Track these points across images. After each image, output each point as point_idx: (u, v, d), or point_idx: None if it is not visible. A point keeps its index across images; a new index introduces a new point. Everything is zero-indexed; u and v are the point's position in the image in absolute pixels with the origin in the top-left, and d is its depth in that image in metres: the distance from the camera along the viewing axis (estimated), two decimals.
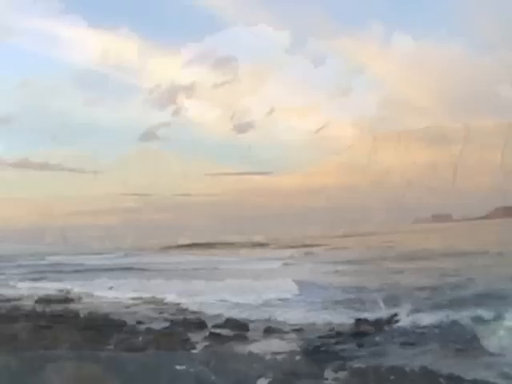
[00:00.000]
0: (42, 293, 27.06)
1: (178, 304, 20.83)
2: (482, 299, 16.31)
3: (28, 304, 22.51)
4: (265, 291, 21.91)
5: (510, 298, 16.00)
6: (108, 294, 26.48)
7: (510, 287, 18.55)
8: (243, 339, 13.75)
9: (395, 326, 14.08)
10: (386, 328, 14.00)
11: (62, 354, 9.16)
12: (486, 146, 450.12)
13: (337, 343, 12.71)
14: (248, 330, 15.00)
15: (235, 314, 17.38)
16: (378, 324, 14.27)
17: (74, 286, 29.82)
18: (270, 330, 14.69)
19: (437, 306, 16.09)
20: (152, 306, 21.54)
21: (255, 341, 13.58)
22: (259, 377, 9.14)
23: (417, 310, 15.19)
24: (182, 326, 15.61)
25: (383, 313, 15.28)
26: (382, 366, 9.81)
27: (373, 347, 12.15)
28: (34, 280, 37.62)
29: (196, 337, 13.97)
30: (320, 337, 13.55)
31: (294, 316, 16.55)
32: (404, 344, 12.27)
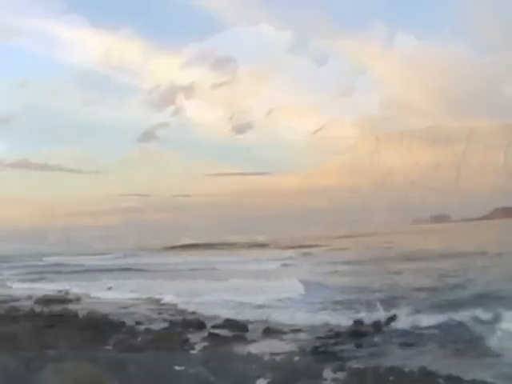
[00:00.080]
0: (40, 293, 27.05)
1: (177, 304, 20.82)
2: (481, 300, 16.33)
3: (27, 304, 22.48)
4: (265, 291, 21.92)
5: (509, 299, 16.02)
6: (107, 294, 26.47)
7: (509, 288, 18.57)
8: (242, 340, 13.74)
9: (394, 326, 14.07)
10: (385, 328, 14.00)
11: (60, 354, 9.16)
12: (488, 147, 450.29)
13: (336, 344, 12.71)
14: (247, 330, 14.99)
15: (234, 314, 17.37)
16: (377, 325, 14.27)
17: (73, 287, 29.80)
18: (268, 331, 14.68)
19: (436, 307, 16.12)
20: (151, 306, 21.54)
21: (254, 341, 13.57)
22: (258, 377, 9.14)
23: (416, 311, 15.19)
24: (181, 327, 15.62)
25: (381, 314, 15.27)
26: (380, 366, 9.83)
27: (372, 348, 12.15)
28: (33, 281, 37.63)
29: (195, 337, 13.97)
30: (319, 337, 13.56)
31: (293, 316, 16.54)
32: (403, 344, 12.27)
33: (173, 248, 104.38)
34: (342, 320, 15.21)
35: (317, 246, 77.89)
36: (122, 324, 16.25)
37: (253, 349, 12.37)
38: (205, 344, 13.13)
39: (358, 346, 12.36)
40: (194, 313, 18.55)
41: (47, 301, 23.68)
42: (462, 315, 13.88)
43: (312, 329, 14.77)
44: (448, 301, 17.25)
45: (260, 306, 19.05)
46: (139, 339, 13.56)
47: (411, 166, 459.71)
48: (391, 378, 9.15)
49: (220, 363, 9.57)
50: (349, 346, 12.38)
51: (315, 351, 11.93)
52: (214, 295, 21.72)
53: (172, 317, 17.92)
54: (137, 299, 23.71)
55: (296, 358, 11.09)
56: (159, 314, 19.17)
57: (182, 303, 20.78)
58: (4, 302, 24.31)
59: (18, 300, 25.22)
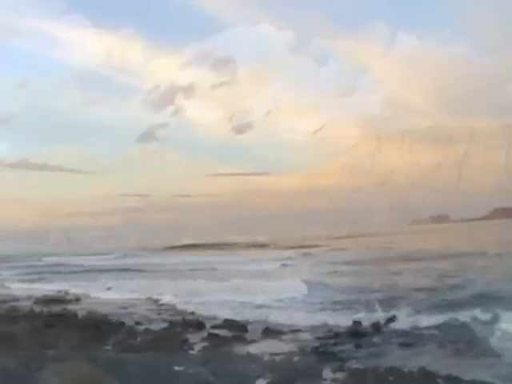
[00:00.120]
0: (40, 294, 27.04)
1: (177, 305, 20.82)
2: (480, 300, 16.34)
3: (26, 305, 22.48)
4: (265, 292, 21.93)
5: (508, 299, 16.03)
6: (106, 294, 26.47)
7: (509, 288, 18.58)
8: (242, 340, 13.74)
9: (393, 326, 14.08)
10: (384, 329, 14.00)
11: (60, 354, 9.16)
12: (490, 147, 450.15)
13: (335, 344, 12.72)
14: (246, 330, 14.99)
15: (233, 314, 17.37)
16: (376, 325, 14.27)
17: (73, 287, 29.79)
18: (268, 331, 14.68)
19: (435, 307, 16.13)
20: (150, 306, 21.54)
21: (254, 342, 13.58)
22: (258, 377, 9.15)
23: (415, 311, 15.19)
24: (181, 327, 15.61)
25: (380, 314, 15.28)
26: (380, 366, 9.84)
27: (371, 348, 12.16)
28: (32, 281, 37.61)
29: (194, 338, 13.97)
30: (318, 337, 13.57)
31: (292, 317, 16.54)
32: (402, 345, 12.28)
33: (173, 248, 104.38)
34: (342, 320, 15.22)
35: (316, 246, 77.89)
36: (122, 324, 16.24)
37: (252, 349, 12.38)
38: (204, 344, 13.12)
39: (358, 346, 12.36)
40: (193, 313, 18.55)
41: (47, 301, 23.68)
42: (462, 315, 13.89)
43: (311, 329, 14.77)
44: (447, 301, 17.26)
45: (259, 306, 19.06)
46: (139, 339, 13.55)
47: (412, 166, 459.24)
48: (391, 378, 9.16)
49: (219, 363, 9.57)
50: (348, 347, 12.38)
51: (315, 351, 11.93)
52: (213, 295, 21.73)
53: (171, 317, 17.92)
54: (136, 299, 23.71)
55: (295, 359, 11.10)
56: (159, 314, 19.16)
57: (181, 303, 20.78)
58: (3, 301, 24.31)
59: (17, 300, 25.21)
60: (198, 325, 15.91)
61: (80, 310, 19.47)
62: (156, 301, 22.68)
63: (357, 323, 14.68)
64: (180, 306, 20.29)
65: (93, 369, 7.59)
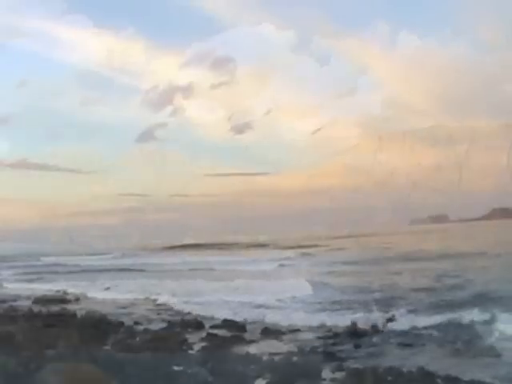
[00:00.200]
0: (38, 293, 27.01)
1: (175, 305, 20.81)
2: (479, 300, 16.35)
3: (25, 304, 22.46)
4: (264, 292, 21.93)
5: (507, 299, 16.04)
6: (105, 294, 26.46)
7: (508, 288, 18.59)
8: (241, 340, 13.74)
9: (392, 326, 14.08)
10: (383, 329, 14.00)
11: (59, 354, 9.16)
12: (491, 148, 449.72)
13: (334, 344, 12.72)
14: (245, 330, 14.99)
15: (232, 314, 17.36)
16: (374, 325, 14.27)
17: (71, 287, 29.77)
18: (267, 331, 14.68)
19: (434, 307, 16.14)
20: (149, 306, 21.53)
21: (253, 342, 13.57)
22: (257, 377, 9.14)
23: (414, 311, 15.21)
24: (180, 327, 15.61)
25: (379, 314, 15.28)
26: (379, 366, 9.84)
27: (370, 348, 12.16)
28: (31, 281, 37.55)
29: (193, 337, 13.97)
30: (317, 337, 13.57)
31: (292, 317, 16.54)
32: (401, 345, 12.29)
33: (172, 248, 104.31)
34: (341, 320, 15.22)
35: (316, 246, 77.82)
36: (121, 324, 16.24)
37: (251, 349, 12.38)
38: (203, 344, 13.12)
39: (357, 346, 12.37)
40: (192, 313, 18.55)
41: (45, 301, 23.64)
42: (461, 316, 13.90)
43: (311, 329, 14.78)
44: (446, 301, 17.27)
45: (259, 306, 19.05)
46: (138, 339, 13.55)
47: (414, 167, 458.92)
48: (389, 378, 9.17)
49: (218, 363, 9.57)
50: (347, 346, 12.39)
51: (314, 351, 11.93)
52: (213, 295, 21.73)
53: (170, 317, 17.92)
54: (135, 299, 23.69)
55: (294, 359, 11.09)
56: (158, 314, 19.16)
57: (180, 303, 20.77)
58: (2, 301, 24.28)
59: (16, 300, 25.19)
60: (197, 325, 15.92)
61: (79, 309, 19.46)
62: (155, 301, 22.67)
63: (355, 323, 14.67)
64: (179, 306, 20.28)
65: (92, 368, 7.58)
